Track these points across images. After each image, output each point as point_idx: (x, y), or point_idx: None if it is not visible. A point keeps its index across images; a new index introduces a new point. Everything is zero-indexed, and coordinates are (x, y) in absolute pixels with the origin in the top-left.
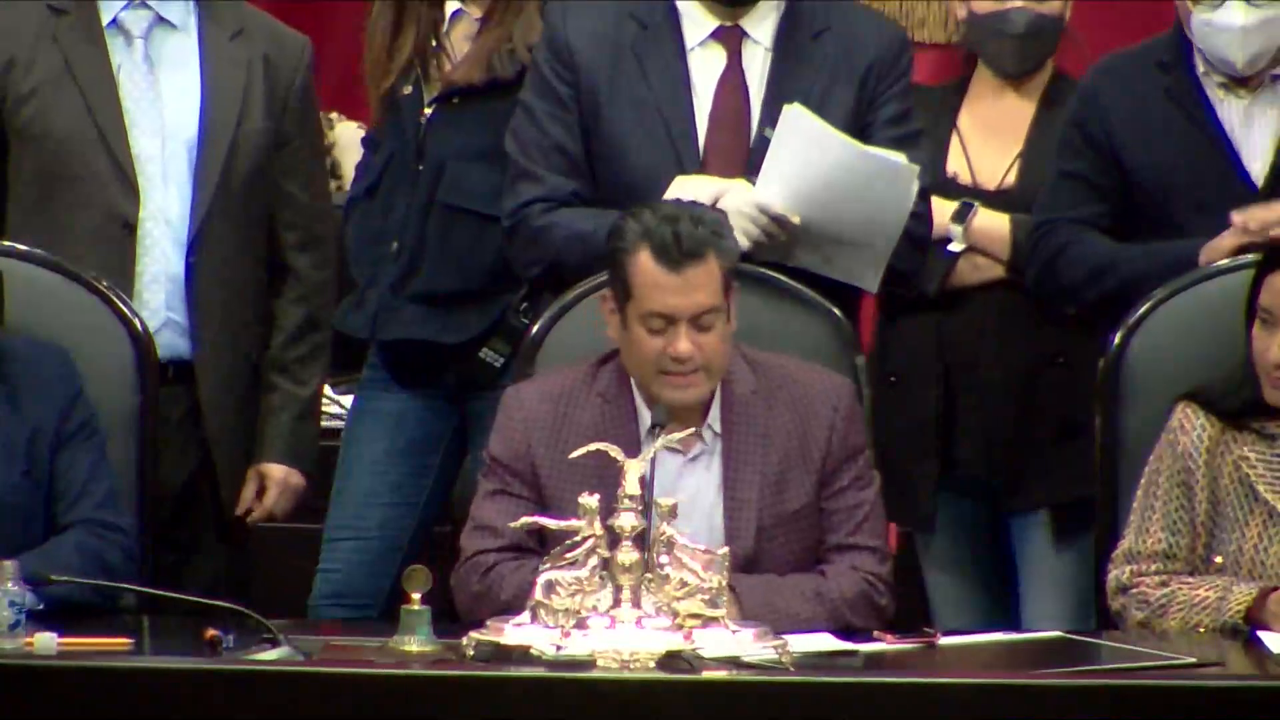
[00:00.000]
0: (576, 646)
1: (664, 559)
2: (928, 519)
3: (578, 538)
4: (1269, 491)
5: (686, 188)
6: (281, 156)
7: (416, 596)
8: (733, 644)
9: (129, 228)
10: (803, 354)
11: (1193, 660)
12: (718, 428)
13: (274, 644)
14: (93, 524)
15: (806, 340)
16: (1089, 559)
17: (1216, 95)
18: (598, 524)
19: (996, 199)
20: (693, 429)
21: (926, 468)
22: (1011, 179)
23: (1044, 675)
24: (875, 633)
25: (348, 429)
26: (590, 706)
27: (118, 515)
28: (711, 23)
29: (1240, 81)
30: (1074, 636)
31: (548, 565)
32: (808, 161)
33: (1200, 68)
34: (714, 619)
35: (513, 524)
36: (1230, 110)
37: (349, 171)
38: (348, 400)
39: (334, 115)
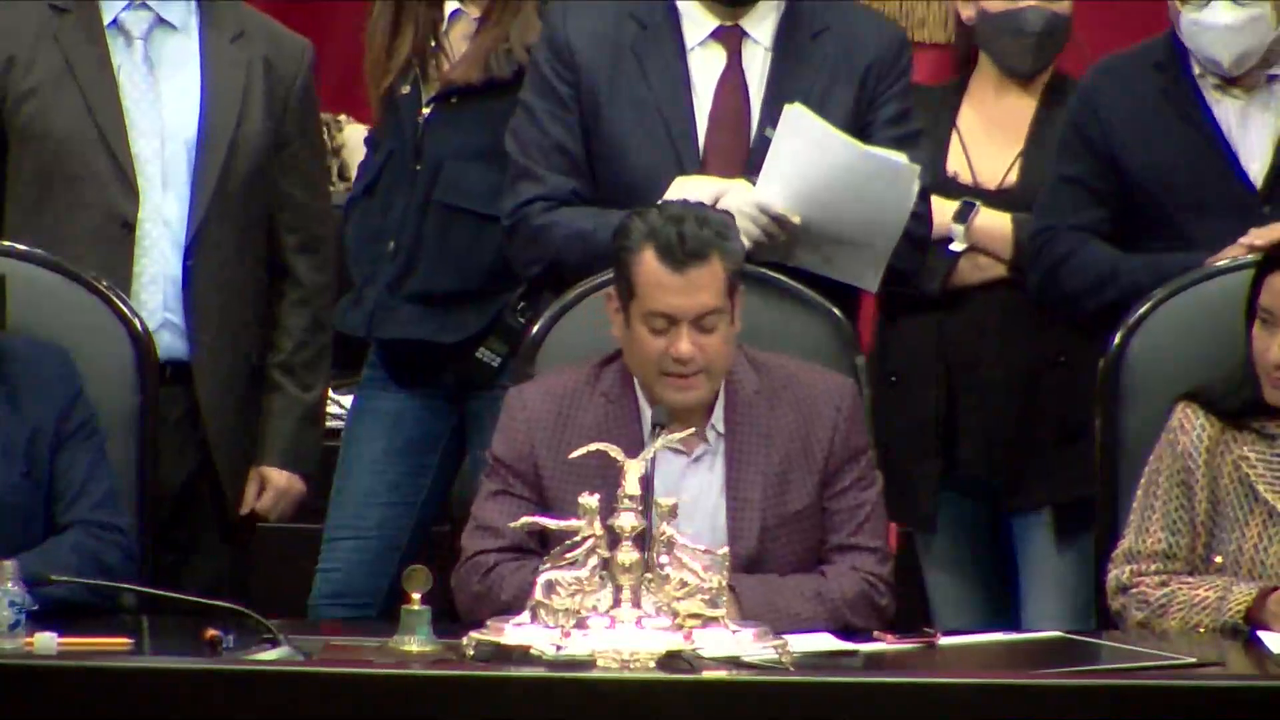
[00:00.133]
0: (576, 646)
1: (664, 559)
2: (928, 519)
3: (578, 538)
4: (1269, 491)
5: (687, 188)
6: (282, 158)
7: (416, 596)
8: (733, 644)
9: (128, 228)
10: (803, 354)
11: (1193, 660)
12: (722, 428)
13: (274, 644)
14: (91, 524)
15: (806, 340)
16: (1089, 559)
17: (1213, 96)
18: (598, 524)
19: (997, 198)
20: (693, 429)
21: (927, 467)
22: (1012, 178)
23: (1044, 675)
24: (875, 633)
25: (347, 428)
26: (590, 706)
27: (116, 515)
28: (711, 23)
29: (1235, 81)
30: (1074, 636)
31: (548, 565)
32: (808, 161)
33: (1196, 69)
34: (714, 619)
35: (513, 524)
36: (1227, 111)
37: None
38: (348, 400)
39: (342, 118)
